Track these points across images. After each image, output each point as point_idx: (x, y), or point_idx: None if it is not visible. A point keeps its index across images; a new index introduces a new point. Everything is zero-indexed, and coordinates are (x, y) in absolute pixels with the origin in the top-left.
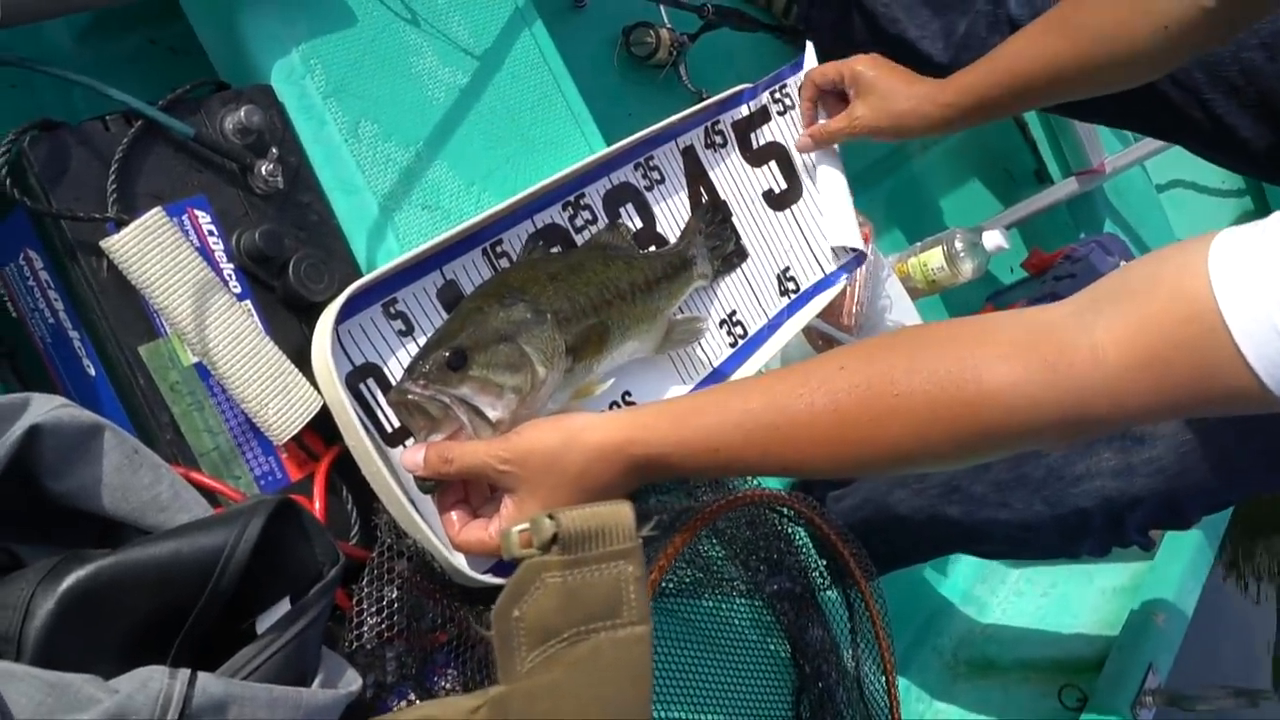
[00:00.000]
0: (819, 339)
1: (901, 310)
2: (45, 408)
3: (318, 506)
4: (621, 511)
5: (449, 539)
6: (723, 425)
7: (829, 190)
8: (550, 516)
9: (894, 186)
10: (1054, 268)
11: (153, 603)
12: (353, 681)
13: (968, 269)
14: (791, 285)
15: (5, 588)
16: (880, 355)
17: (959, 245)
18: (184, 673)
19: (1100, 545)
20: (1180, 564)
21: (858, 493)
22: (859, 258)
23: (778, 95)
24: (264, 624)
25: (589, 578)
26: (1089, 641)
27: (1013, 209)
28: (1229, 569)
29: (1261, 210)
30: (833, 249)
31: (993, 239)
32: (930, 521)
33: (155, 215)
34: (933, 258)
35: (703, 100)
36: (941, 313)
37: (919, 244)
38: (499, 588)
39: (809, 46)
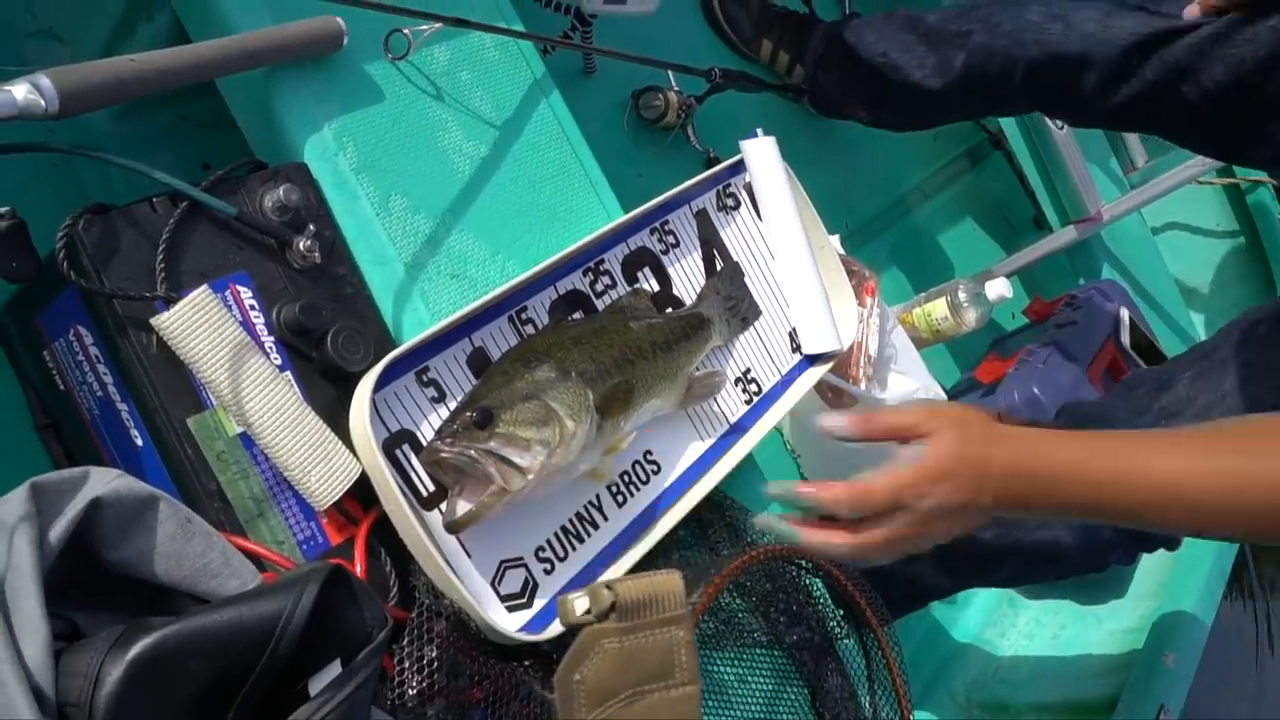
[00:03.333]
0: (828, 391)
1: (908, 361)
2: (104, 480)
3: (359, 569)
4: (673, 581)
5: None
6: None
7: (800, 296)
8: (608, 587)
9: (896, 238)
10: (1055, 314)
11: (214, 667)
12: None
13: (971, 318)
14: None
15: (74, 656)
16: None
17: (962, 295)
18: None
19: (1128, 553)
20: (1189, 603)
21: None
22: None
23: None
24: (316, 685)
25: (644, 642)
26: (1100, 683)
27: (1013, 257)
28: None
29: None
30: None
31: (995, 289)
32: (960, 547)
33: (202, 293)
34: (937, 308)
35: (710, 159)
36: (948, 360)
37: (923, 295)
38: (533, 644)
39: (744, 146)
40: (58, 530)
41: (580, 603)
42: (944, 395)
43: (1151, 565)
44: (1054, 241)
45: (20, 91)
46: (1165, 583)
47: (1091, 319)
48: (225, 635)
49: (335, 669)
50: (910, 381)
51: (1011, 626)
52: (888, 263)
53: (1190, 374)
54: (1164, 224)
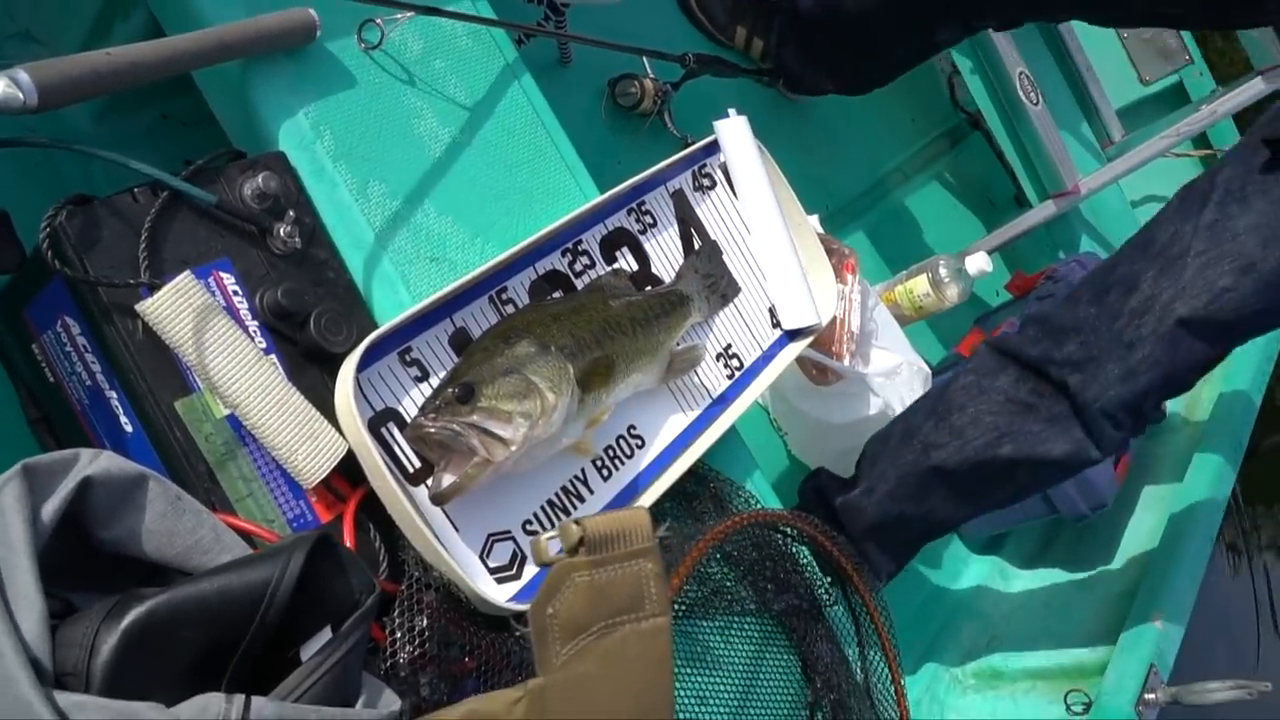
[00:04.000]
0: (812, 368)
1: (890, 337)
2: (93, 461)
3: (348, 544)
4: (640, 515)
5: None
6: None
7: (777, 272)
8: (576, 523)
9: (878, 218)
10: (1036, 288)
11: (206, 635)
12: (393, 702)
13: (953, 294)
14: None
15: (71, 627)
16: None
17: (943, 271)
18: (239, 698)
19: (1125, 440)
20: (1177, 566)
21: (887, 477)
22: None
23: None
24: (307, 652)
25: (613, 575)
26: (1092, 647)
27: (994, 233)
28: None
29: None
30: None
31: (975, 263)
32: (980, 468)
33: (185, 278)
34: (918, 284)
35: (688, 144)
36: (930, 337)
37: (904, 272)
38: (523, 614)
39: (717, 126)
40: (50, 509)
41: (553, 543)
42: (927, 370)
43: (1140, 531)
44: (1033, 216)
45: None
46: (1154, 548)
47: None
48: (216, 603)
49: (326, 635)
50: (894, 357)
51: (1004, 596)
52: (869, 243)
53: (1153, 272)
54: (1142, 197)
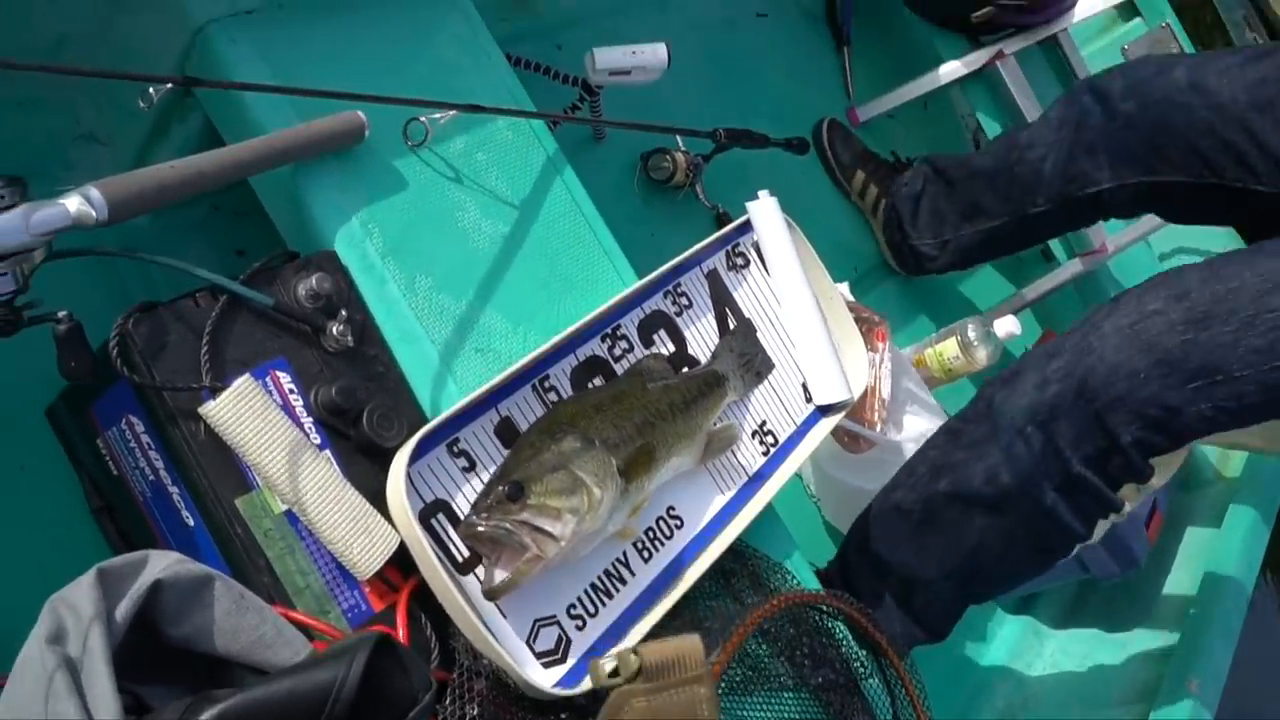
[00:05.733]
0: (845, 436)
1: (922, 403)
2: (163, 564)
3: (401, 634)
4: (693, 643)
5: None
6: None
7: (809, 349)
8: (634, 652)
9: (907, 279)
10: None
11: None
12: None
13: (982, 356)
14: None
15: None
16: None
17: (972, 334)
18: None
19: (1035, 465)
20: (1213, 629)
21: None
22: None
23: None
24: None
25: (669, 700)
26: (1127, 709)
27: (1020, 293)
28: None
29: None
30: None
31: (1004, 326)
32: (929, 506)
33: (245, 381)
34: (948, 348)
35: (720, 215)
36: (962, 400)
37: (934, 335)
38: (569, 699)
39: (749, 207)
40: (123, 610)
41: (608, 665)
42: None
43: (1174, 591)
44: (1060, 276)
45: (73, 204)
46: (1188, 609)
47: None
48: (284, 704)
49: None
50: (925, 421)
51: (1038, 656)
52: (899, 304)
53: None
54: (1172, 249)
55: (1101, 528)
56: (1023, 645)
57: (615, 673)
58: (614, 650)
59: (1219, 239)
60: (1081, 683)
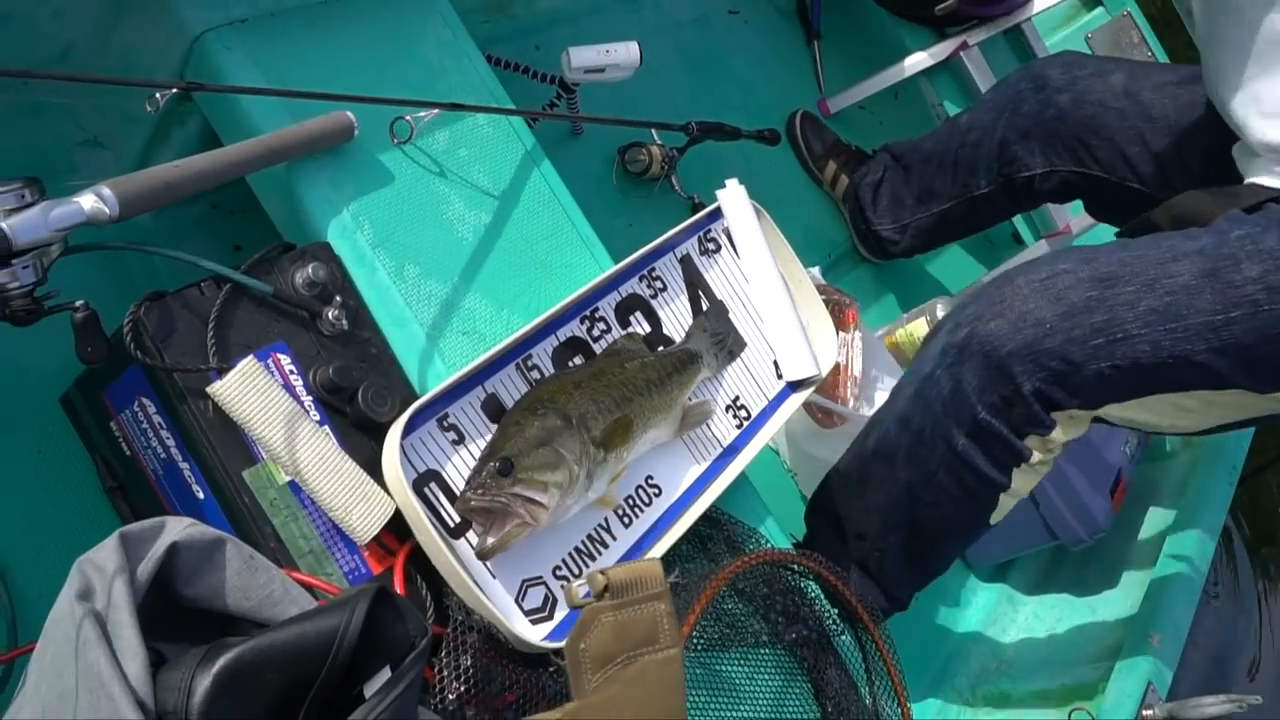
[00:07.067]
0: (819, 412)
1: (893, 379)
2: (178, 528)
3: (399, 593)
4: (653, 566)
5: None
6: None
7: (778, 328)
8: (602, 573)
9: (879, 264)
10: None
11: (285, 676)
12: None
13: None
14: None
15: (169, 673)
16: None
17: (940, 313)
18: None
19: (988, 451)
20: (1173, 588)
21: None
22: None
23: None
24: (370, 689)
25: (633, 615)
26: (1095, 667)
27: (993, 272)
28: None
29: None
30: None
31: None
32: (883, 444)
33: (249, 362)
34: (918, 327)
35: (695, 204)
36: None
37: (905, 315)
38: (556, 651)
39: (719, 195)
40: (144, 570)
41: (581, 589)
42: None
43: (1140, 555)
44: (1026, 256)
45: (88, 202)
46: (1152, 571)
47: None
48: (293, 648)
49: (385, 674)
50: None
51: (1012, 622)
52: (872, 288)
53: None
54: None
55: (1028, 481)
56: (998, 612)
57: (586, 595)
58: (586, 574)
59: None
60: (1053, 645)
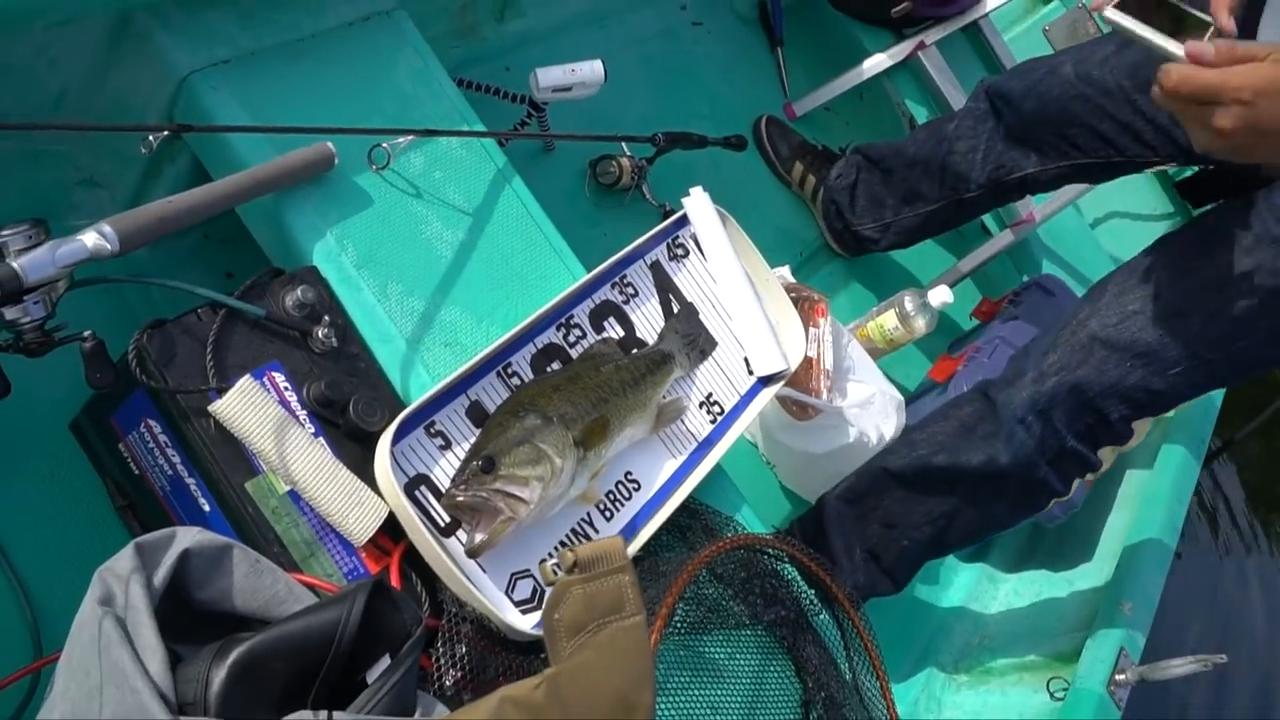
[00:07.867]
0: (793, 405)
1: (865, 371)
2: (189, 536)
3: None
4: (616, 541)
5: None
6: None
7: (747, 326)
8: (571, 550)
9: (849, 259)
10: (1000, 312)
11: (293, 665)
12: (444, 712)
13: (921, 325)
14: None
15: (187, 667)
16: None
17: (909, 305)
18: (323, 713)
19: (1034, 450)
20: (1144, 557)
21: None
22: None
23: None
24: (371, 675)
25: (600, 587)
26: (1071, 636)
27: (960, 264)
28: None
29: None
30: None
31: (938, 296)
32: (919, 472)
33: (247, 381)
34: (888, 320)
35: (666, 212)
36: (912, 366)
37: (874, 308)
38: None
39: (685, 203)
40: (159, 576)
41: (553, 566)
42: (900, 398)
43: (1114, 528)
44: (992, 246)
45: (90, 239)
46: (1125, 542)
47: (1031, 312)
48: (300, 639)
49: (385, 661)
50: (867, 388)
51: (993, 599)
52: (843, 283)
53: (1084, 302)
54: (1105, 214)
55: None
56: (978, 590)
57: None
58: (558, 553)
59: (1146, 200)
60: (1032, 618)
